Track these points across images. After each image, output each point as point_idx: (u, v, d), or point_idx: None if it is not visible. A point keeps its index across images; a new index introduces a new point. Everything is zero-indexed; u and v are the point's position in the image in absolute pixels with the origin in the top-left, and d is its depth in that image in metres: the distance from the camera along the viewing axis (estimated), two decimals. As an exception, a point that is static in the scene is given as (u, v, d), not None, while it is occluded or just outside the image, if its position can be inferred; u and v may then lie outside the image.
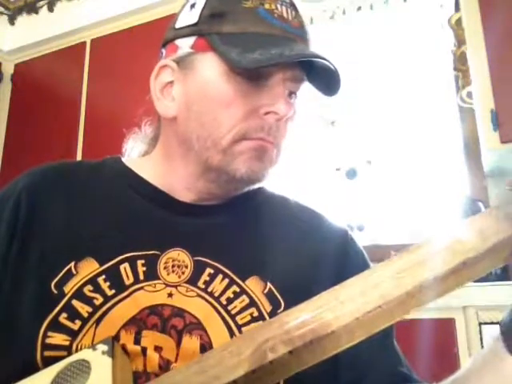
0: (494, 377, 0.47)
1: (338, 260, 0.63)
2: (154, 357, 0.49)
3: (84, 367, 0.40)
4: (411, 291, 0.40)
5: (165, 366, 0.49)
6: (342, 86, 0.58)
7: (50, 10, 2.70)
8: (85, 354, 0.42)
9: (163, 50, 0.64)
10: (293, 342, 0.38)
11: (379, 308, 0.39)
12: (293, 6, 0.59)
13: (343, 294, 0.40)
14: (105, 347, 0.41)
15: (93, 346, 0.42)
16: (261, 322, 0.54)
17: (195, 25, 0.58)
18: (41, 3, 2.73)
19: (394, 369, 0.59)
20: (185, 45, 0.59)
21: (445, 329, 1.50)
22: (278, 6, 0.57)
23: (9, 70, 2.82)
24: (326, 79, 0.59)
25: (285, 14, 0.57)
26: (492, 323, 1.45)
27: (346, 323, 0.38)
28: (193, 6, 0.60)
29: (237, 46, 0.54)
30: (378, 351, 0.58)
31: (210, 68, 0.57)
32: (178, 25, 0.61)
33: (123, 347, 0.49)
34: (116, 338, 0.50)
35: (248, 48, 0.53)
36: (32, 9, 2.74)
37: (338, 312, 0.39)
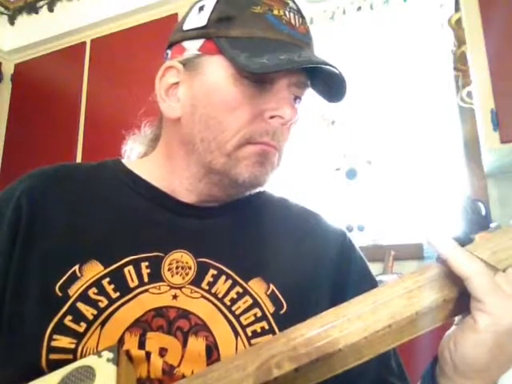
0: None
1: (339, 261, 0.63)
2: (157, 362, 0.49)
3: (88, 373, 0.40)
4: (421, 312, 0.39)
5: (168, 371, 0.49)
6: (346, 93, 0.58)
7: (50, 10, 2.70)
8: (90, 361, 0.42)
9: (169, 52, 0.64)
10: (299, 359, 0.37)
11: (388, 328, 0.38)
12: (299, 13, 0.60)
13: (352, 312, 0.39)
14: (110, 354, 0.41)
15: (98, 353, 0.42)
16: (264, 323, 0.54)
17: (204, 27, 0.58)
18: (41, 3, 2.73)
19: (386, 379, 0.59)
20: (192, 47, 0.59)
21: (445, 329, 1.50)
22: (286, 12, 0.58)
23: (9, 70, 2.82)
24: (330, 86, 0.60)
25: (292, 21, 0.58)
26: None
27: (354, 342, 0.37)
28: (201, 8, 0.60)
29: (245, 50, 0.54)
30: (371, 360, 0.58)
31: (217, 71, 0.57)
32: (186, 27, 0.61)
33: (127, 353, 0.49)
34: (120, 340, 0.50)
35: (256, 53, 0.54)
36: (32, 9, 2.74)
37: (346, 330, 0.38)
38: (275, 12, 0.57)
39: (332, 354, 0.37)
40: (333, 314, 0.40)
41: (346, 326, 0.38)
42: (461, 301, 0.40)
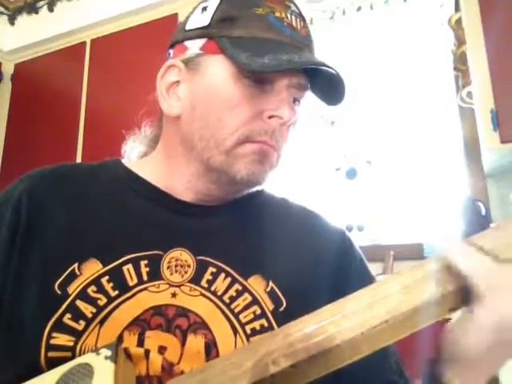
0: None
1: (338, 260, 0.64)
2: (156, 359, 0.49)
3: (87, 371, 0.40)
4: (419, 307, 0.38)
5: (168, 368, 0.49)
6: (345, 97, 0.59)
7: (50, 10, 2.70)
8: (88, 358, 0.42)
9: (171, 51, 0.64)
10: (295, 356, 0.37)
11: (385, 323, 0.38)
12: (301, 16, 0.61)
13: (349, 308, 0.39)
14: (108, 352, 0.41)
15: (96, 351, 0.42)
16: (263, 320, 0.54)
17: (206, 27, 0.59)
18: (41, 3, 2.73)
19: (387, 378, 0.59)
20: (194, 46, 0.60)
21: (445, 329, 1.50)
22: (288, 15, 0.59)
23: (9, 70, 2.82)
24: (329, 89, 0.60)
25: (294, 23, 0.59)
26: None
27: (351, 337, 0.37)
28: (204, 9, 0.61)
29: (246, 49, 0.55)
30: (371, 359, 0.58)
31: (218, 70, 0.58)
32: (189, 26, 0.61)
33: (126, 350, 0.49)
34: (119, 338, 0.50)
35: (257, 52, 0.54)
36: (32, 9, 2.74)
37: (342, 326, 0.38)
38: (277, 14, 0.58)
39: (329, 349, 0.37)
40: (330, 310, 0.40)
41: (343, 322, 0.38)
42: (461, 295, 0.40)
